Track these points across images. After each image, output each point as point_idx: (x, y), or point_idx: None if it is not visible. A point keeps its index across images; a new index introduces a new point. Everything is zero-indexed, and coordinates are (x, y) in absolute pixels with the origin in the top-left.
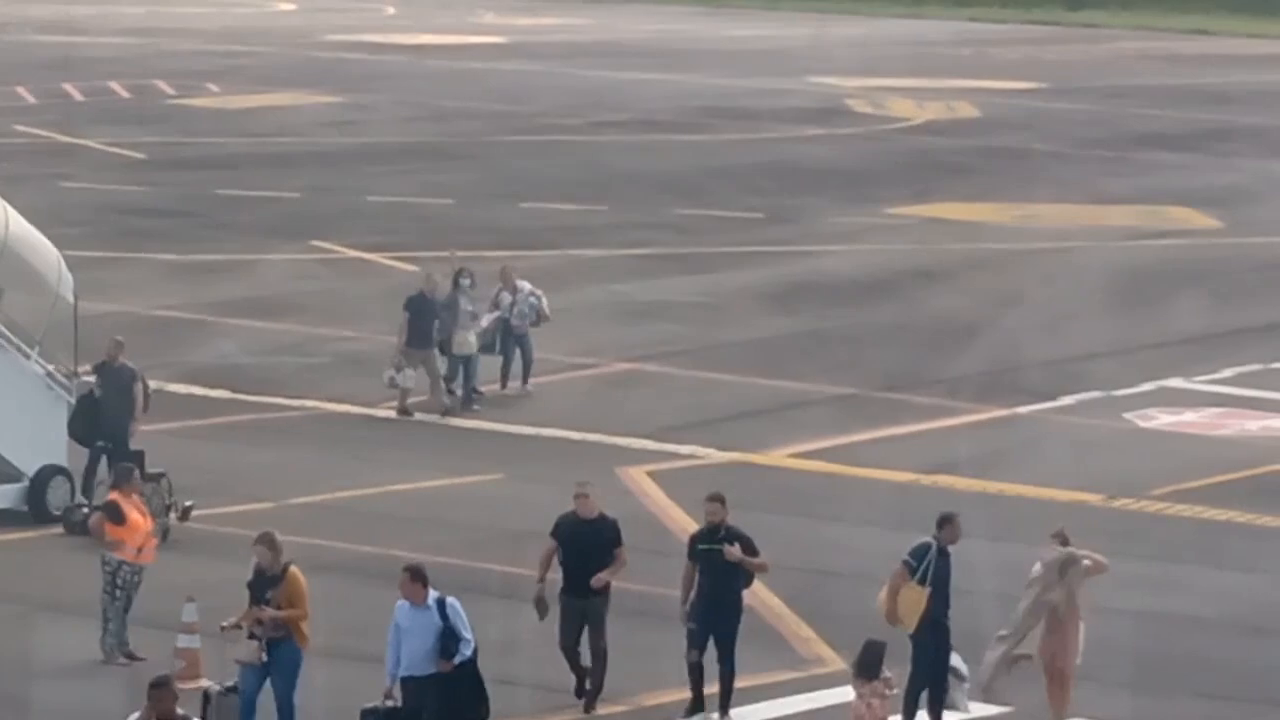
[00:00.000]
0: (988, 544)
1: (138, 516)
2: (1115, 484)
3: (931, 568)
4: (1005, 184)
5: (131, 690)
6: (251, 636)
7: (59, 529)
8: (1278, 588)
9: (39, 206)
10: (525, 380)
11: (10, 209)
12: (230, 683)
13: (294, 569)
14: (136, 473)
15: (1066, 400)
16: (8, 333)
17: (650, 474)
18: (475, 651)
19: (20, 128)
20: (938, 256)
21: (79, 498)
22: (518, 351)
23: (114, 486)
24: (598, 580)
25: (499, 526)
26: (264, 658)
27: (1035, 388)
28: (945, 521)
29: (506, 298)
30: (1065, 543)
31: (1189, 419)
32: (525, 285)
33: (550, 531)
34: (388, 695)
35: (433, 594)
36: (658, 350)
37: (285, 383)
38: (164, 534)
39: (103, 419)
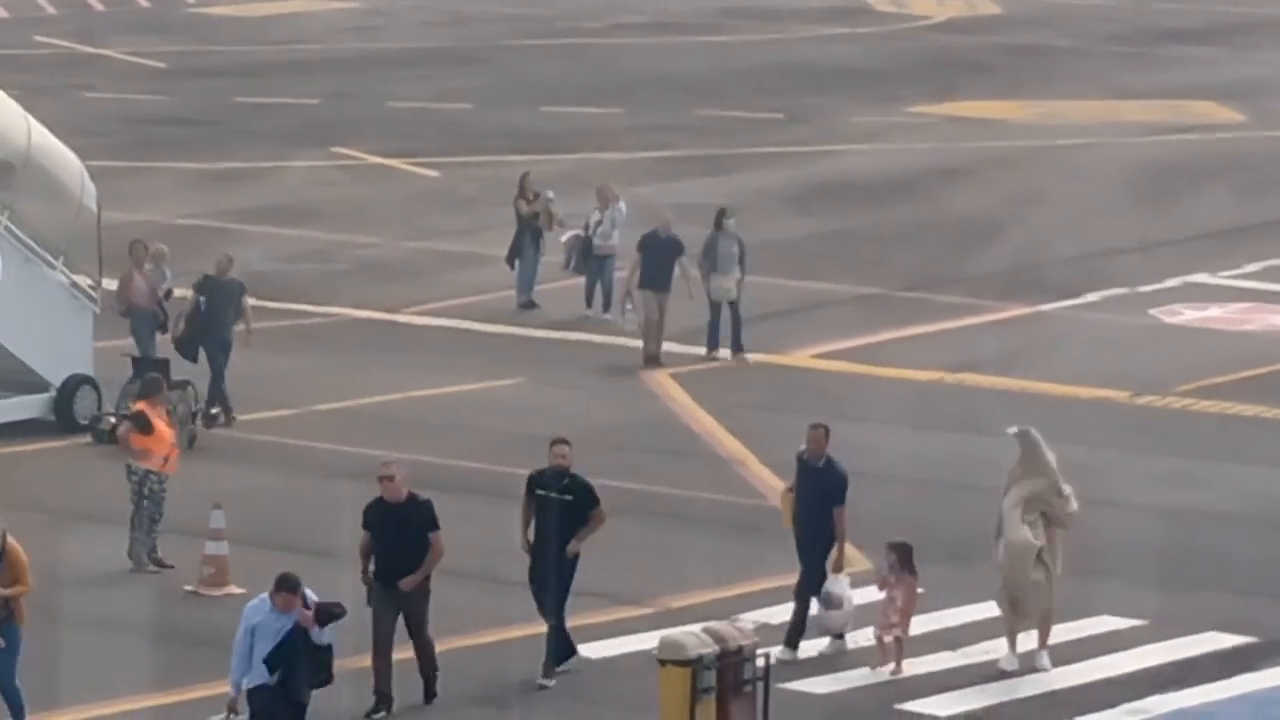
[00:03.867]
0: (1012, 442)
1: (164, 426)
2: (1140, 381)
3: (796, 476)
4: (1027, 81)
5: (160, 598)
6: None
7: (86, 438)
8: None
9: (61, 117)
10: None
11: (32, 120)
12: None
13: (12, 541)
14: (164, 384)
15: (1091, 297)
16: (32, 243)
17: (674, 376)
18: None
19: (41, 38)
20: (960, 155)
21: (105, 407)
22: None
23: (141, 397)
24: (407, 583)
25: (521, 431)
26: (1, 643)
27: (1059, 285)
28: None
29: (595, 216)
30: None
31: (1214, 314)
32: (622, 206)
33: (362, 522)
34: (233, 708)
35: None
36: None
37: (307, 289)
38: (190, 442)
39: (209, 332)
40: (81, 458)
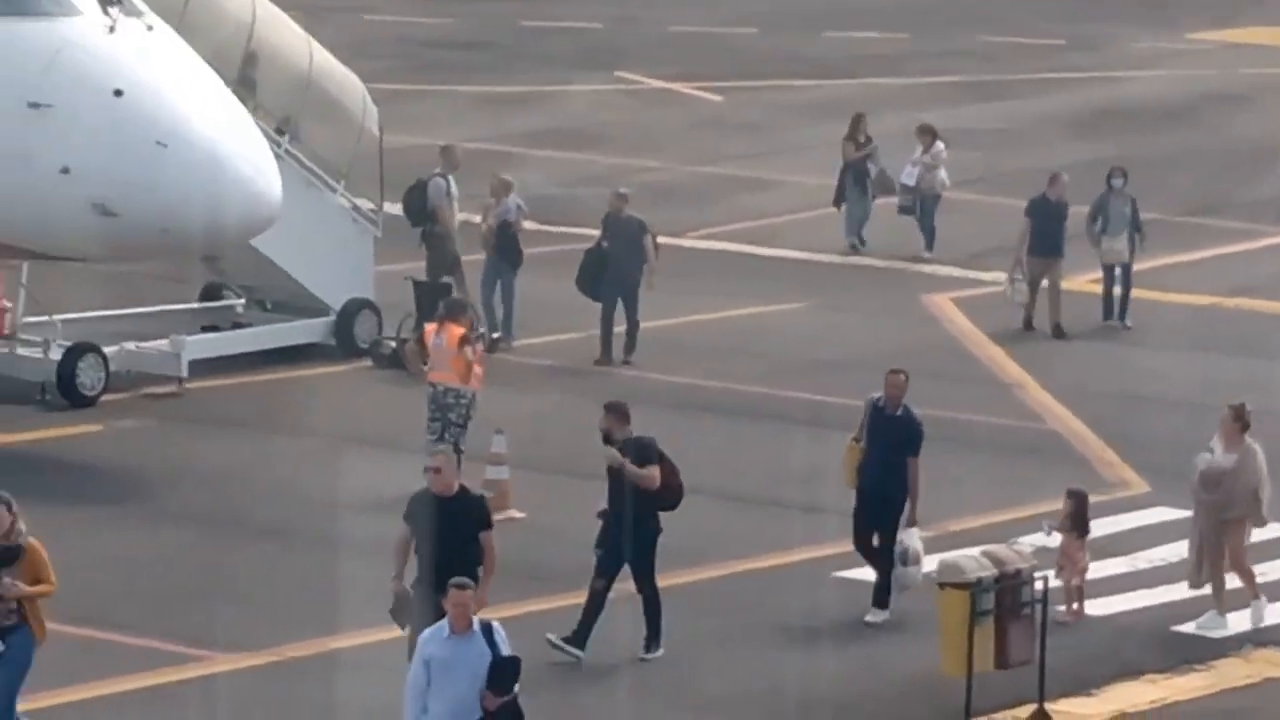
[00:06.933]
0: None
1: None
2: None
3: (865, 427)
4: None
5: None
6: None
7: (366, 362)
8: None
9: (342, 40)
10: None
11: (314, 42)
12: None
13: (33, 540)
14: (471, 307)
15: None
16: (314, 167)
17: (955, 301)
18: None
19: None
20: (1239, 81)
21: (386, 331)
22: None
23: (448, 319)
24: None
25: (805, 355)
26: (1, 648)
27: None
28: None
29: (917, 154)
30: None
31: None
32: (940, 146)
33: (403, 514)
34: None
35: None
36: (961, 177)
37: (590, 214)
38: None
39: (610, 271)
40: (361, 382)
